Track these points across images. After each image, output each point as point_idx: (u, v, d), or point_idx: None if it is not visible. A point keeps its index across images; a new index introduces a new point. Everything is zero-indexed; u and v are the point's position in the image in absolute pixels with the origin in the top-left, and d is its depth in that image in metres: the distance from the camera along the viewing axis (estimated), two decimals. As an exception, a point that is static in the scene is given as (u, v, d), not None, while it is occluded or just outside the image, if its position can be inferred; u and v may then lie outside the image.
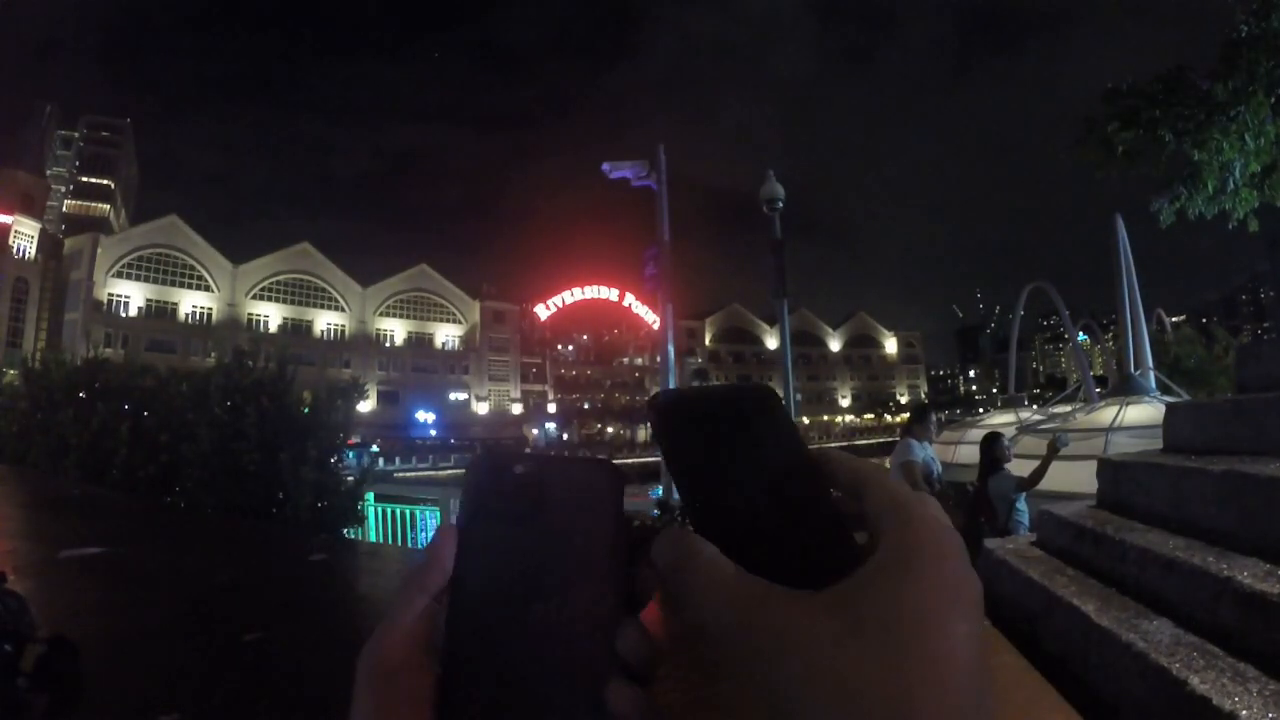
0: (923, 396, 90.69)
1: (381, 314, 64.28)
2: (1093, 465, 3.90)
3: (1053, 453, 5.11)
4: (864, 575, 0.24)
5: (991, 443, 5.26)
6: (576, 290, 66.27)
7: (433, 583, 0.28)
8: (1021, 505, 4.99)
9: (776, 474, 0.28)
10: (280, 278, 59.94)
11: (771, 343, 77.05)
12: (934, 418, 5.80)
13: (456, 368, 66.79)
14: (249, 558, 4.83)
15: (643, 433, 70.16)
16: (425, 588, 0.28)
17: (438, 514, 8.80)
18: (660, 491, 8.85)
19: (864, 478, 0.27)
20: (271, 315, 59.09)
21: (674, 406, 0.28)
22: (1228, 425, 3.16)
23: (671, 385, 9.09)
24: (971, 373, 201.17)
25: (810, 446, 0.29)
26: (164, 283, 55.33)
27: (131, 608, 3.34)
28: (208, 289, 57.09)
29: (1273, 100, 5.91)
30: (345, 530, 6.76)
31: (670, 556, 0.26)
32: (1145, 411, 13.29)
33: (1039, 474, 5.01)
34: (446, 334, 67.32)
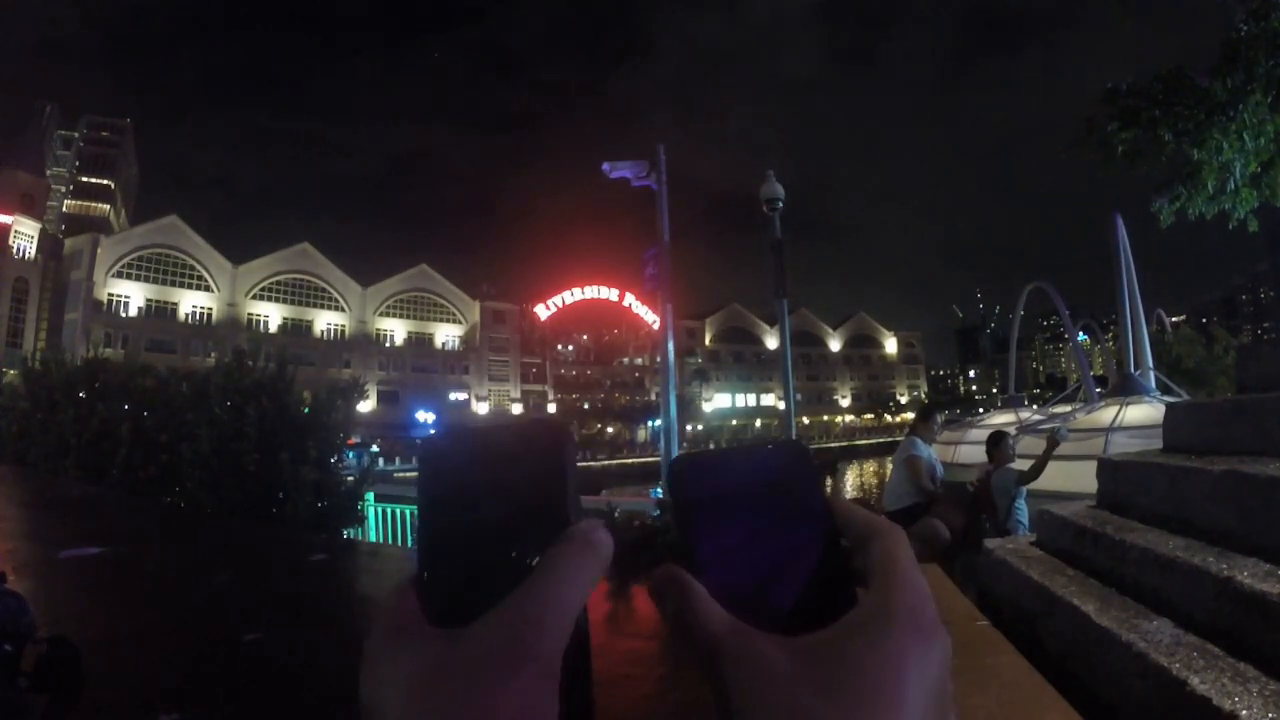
0: (923, 397, 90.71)
1: (381, 314, 64.29)
2: (1093, 465, 3.90)
3: (1053, 446, 5.15)
4: (842, 628, 0.26)
5: (996, 441, 5.29)
6: (576, 290, 66.19)
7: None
8: (1021, 504, 5.02)
9: (788, 528, 0.29)
10: (280, 278, 59.94)
11: (771, 343, 77.03)
12: (938, 418, 5.84)
13: (456, 368, 66.78)
14: (249, 558, 4.83)
15: (643, 433, 70.15)
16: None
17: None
18: (660, 492, 8.84)
19: (872, 532, 0.29)
20: (271, 315, 59.10)
21: (694, 473, 0.30)
22: (1228, 425, 3.16)
23: (671, 385, 9.09)
24: (971, 373, 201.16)
25: (826, 491, 0.30)
26: (164, 283, 55.34)
27: (131, 608, 3.34)
28: (208, 289, 57.09)
29: (1270, 99, 5.90)
30: (345, 530, 6.76)
31: (665, 593, 0.28)
32: (1145, 411, 13.30)
33: (1039, 467, 5.05)
34: (446, 334, 67.33)
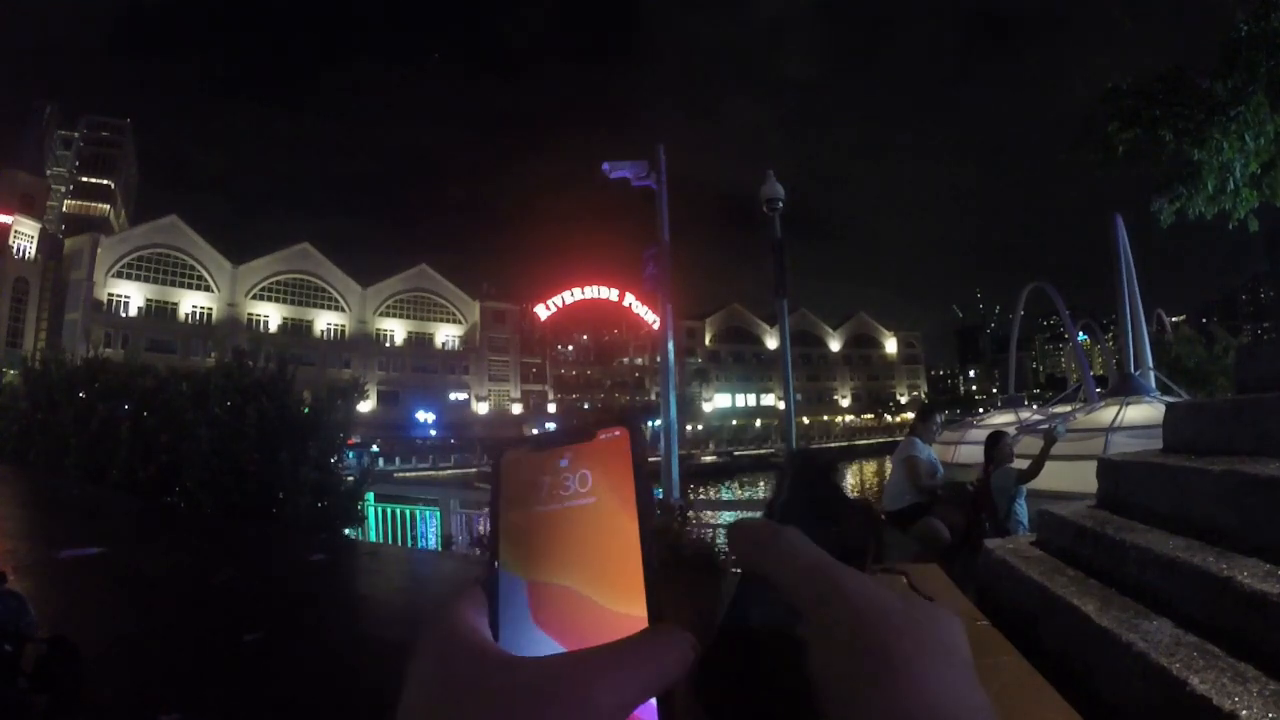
0: (923, 397, 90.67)
1: (381, 314, 64.29)
2: (1093, 465, 3.90)
3: (1050, 443, 5.15)
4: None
5: (995, 441, 5.30)
6: (576, 290, 66.09)
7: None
8: (1021, 504, 5.02)
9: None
10: (280, 278, 59.93)
11: (771, 343, 77.01)
12: (937, 418, 5.85)
13: (456, 368, 66.77)
14: (249, 558, 4.84)
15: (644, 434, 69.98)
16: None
17: (438, 514, 8.79)
18: (660, 493, 8.85)
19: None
20: (271, 315, 59.09)
21: (815, 465, 0.37)
22: (1228, 425, 3.15)
23: (671, 385, 9.08)
24: (971, 373, 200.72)
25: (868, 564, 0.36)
26: (164, 283, 55.33)
27: (131, 608, 3.35)
28: (208, 289, 57.09)
29: (1271, 99, 5.90)
30: (345, 530, 6.76)
31: (764, 537, 0.30)
32: (1145, 411, 13.29)
33: (1038, 465, 5.05)
34: (446, 334, 67.33)
